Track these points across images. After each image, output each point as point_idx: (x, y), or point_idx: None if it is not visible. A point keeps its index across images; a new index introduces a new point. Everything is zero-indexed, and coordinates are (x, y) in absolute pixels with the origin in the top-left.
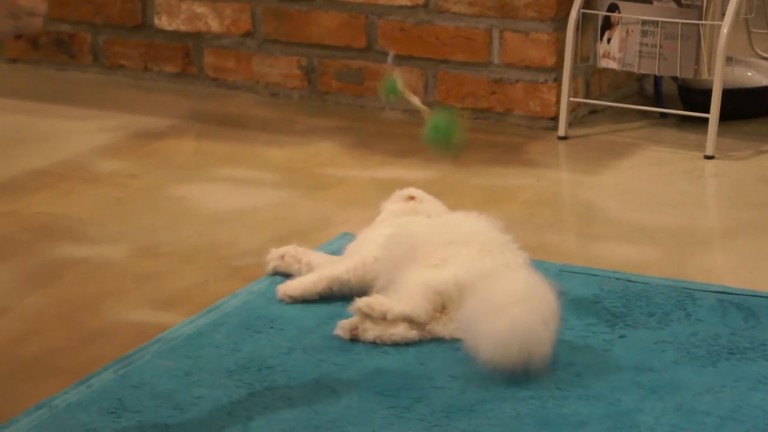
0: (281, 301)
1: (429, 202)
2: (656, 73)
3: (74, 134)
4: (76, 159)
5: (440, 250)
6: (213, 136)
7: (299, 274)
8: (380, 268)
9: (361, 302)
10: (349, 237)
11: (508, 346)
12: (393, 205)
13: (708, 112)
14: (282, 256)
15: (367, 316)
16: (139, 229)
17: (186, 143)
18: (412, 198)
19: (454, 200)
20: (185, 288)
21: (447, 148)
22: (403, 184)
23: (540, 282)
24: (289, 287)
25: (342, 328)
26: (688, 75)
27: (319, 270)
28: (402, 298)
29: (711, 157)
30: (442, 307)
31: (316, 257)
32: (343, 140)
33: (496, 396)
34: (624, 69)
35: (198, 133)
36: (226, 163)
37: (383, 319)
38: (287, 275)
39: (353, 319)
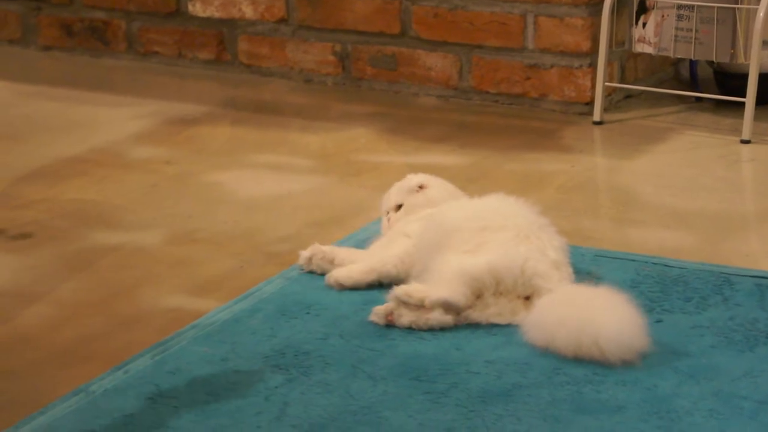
0: (331, 287)
1: (439, 188)
2: (692, 58)
3: (108, 121)
4: (110, 146)
5: (476, 235)
6: (247, 122)
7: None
8: (418, 255)
9: (398, 290)
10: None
11: (631, 338)
12: (406, 198)
13: (744, 96)
14: (310, 258)
15: (405, 303)
16: (174, 215)
17: (220, 129)
18: (421, 187)
19: (488, 186)
20: (221, 273)
21: None
22: (437, 169)
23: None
24: (341, 276)
25: (377, 314)
26: (724, 59)
27: (367, 260)
28: (439, 285)
29: (747, 142)
30: (479, 293)
31: (345, 253)
32: (378, 126)
33: (533, 381)
34: (659, 53)
35: (232, 120)
36: (261, 150)
37: (421, 306)
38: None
39: (388, 305)
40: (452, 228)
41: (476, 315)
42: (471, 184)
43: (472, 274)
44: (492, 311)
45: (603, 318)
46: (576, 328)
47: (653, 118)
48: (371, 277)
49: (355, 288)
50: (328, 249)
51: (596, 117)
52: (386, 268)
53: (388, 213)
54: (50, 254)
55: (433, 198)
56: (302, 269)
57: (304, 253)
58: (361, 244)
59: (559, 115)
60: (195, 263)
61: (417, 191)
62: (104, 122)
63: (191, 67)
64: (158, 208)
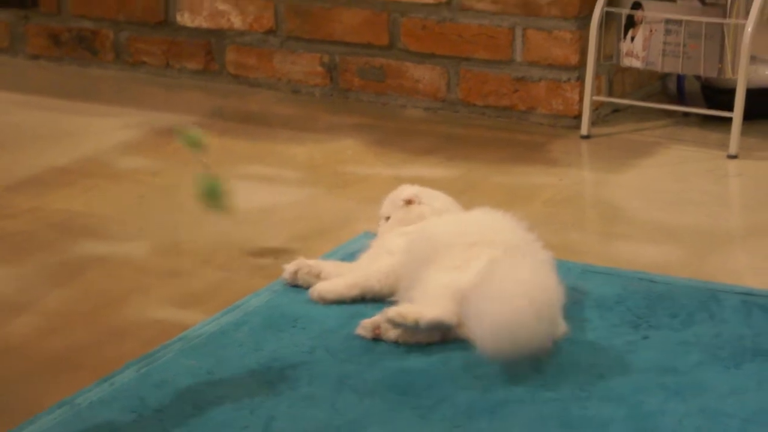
0: (314, 301)
1: (430, 198)
2: (679, 72)
3: (96, 131)
4: (98, 156)
5: (464, 251)
6: (235, 133)
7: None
8: (405, 271)
9: (392, 312)
10: (370, 236)
11: (498, 336)
12: (395, 213)
13: (731, 110)
14: (295, 272)
15: (399, 324)
16: (161, 226)
17: (208, 140)
18: (410, 202)
19: (475, 199)
20: (207, 286)
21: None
22: (424, 182)
23: (546, 275)
24: (324, 290)
25: (364, 327)
26: (712, 74)
27: (351, 274)
28: (430, 303)
29: (734, 157)
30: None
31: (331, 267)
32: (365, 138)
33: (519, 397)
34: (647, 68)
35: (220, 130)
36: (248, 160)
37: (416, 327)
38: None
39: (375, 319)
40: (440, 243)
41: (464, 331)
42: (458, 196)
43: (463, 291)
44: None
45: (483, 310)
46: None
47: (640, 133)
48: (354, 292)
49: (338, 302)
50: (313, 263)
51: (584, 131)
52: (370, 283)
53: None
54: (37, 264)
55: (421, 213)
56: (287, 283)
57: (289, 267)
58: (349, 257)
59: (547, 129)
60: (182, 275)
61: (403, 206)
62: (92, 132)
63: (179, 77)
64: (145, 219)
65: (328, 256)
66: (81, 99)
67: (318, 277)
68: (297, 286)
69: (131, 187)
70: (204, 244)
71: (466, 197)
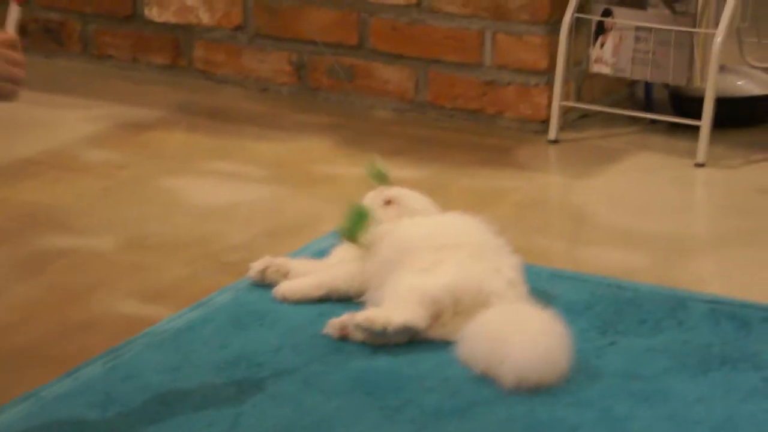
0: (278, 301)
1: (409, 200)
2: (648, 80)
3: (62, 123)
4: (63, 148)
5: (432, 254)
6: (202, 128)
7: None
8: (373, 273)
9: (360, 317)
10: (337, 234)
11: (535, 370)
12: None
13: (698, 119)
14: (263, 271)
15: (367, 330)
16: (127, 220)
17: (175, 135)
18: (389, 202)
19: (442, 201)
20: (174, 281)
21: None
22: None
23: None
24: (288, 290)
25: (332, 326)
26: (681, 82)
27: (317, 274)
28: (397, 307)
29: (702, 165)
30: (438, 314)
31: (299, 265)
32: (334, 137)
33: (487, 399)
34: (617, 74)
35: (187, 126)
36: (215, 157)
37: (383, 332)
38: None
39: (343, 318)
40: (408, 246)
41: (432, 332)
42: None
43: (432, 295)
44: (447, 330)
45: (513, 342)
46: (488, 347)
47: (608, 139)
48: (320, 293)
49: (302, 302)
50: (281, 261)
51: (551, 135)
52: (336, 283)
53: None
54: (1, 257)
55: (399, 215)
56: (254, 281)
57: (256, 265)
58: (317, 255)
59: (515, 133)
60: (148, 269)
61: (382, 206)
62: (58, 124)
63: (146, 71)
64: (111, 212)
65: (295, 255)
66: (47, 91)
67: (286, 275)
68: (264, 284)
69: (97, 180)
70: (171, 239)
71: (434, 200)
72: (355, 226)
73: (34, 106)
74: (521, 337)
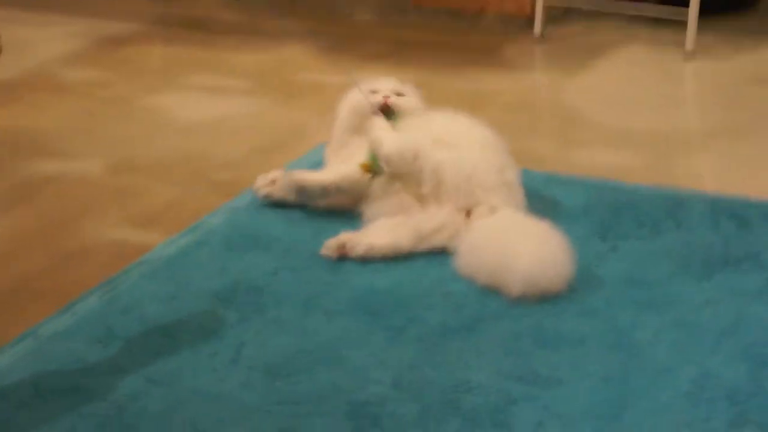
0: (288, 185)
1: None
2: None
3: (38, 41)
4: (41, 69)
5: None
6: (181, 41)
7: (290, 197)
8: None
9: (331, 242)
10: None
11: (541, 278)
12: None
13: (684, 5)
14: (273, 181)
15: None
16: (113, 142)
17: (154, 49)
18: (387, 106)
19: (435, 105)
20: (164, 204)
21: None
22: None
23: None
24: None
25: (328, 248)
26: None
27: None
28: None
29: (691, 56)
30: (414, 179)
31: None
32: (315, 43)
33: (492, 314)
34: None
35: (165, 39)
36: (197, 70)
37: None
38: (279, 202)
39: (340, 238)
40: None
41: (430, 238)
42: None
43: (416, 147)
44: (440, 230)
45: (518, 251)
46: (492, 258)
47: (594, 33)
48: (331, 177)
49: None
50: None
51: (537, 32)
52: (351, 170)
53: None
54: None
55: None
56: (259, 193)
57: (265, 176)
58: (313, 167)
59: (499, 30)
60: (136, 193)
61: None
62: (34, 43)
63: None
64: (96, 135)
65: (290, 168)
66: (18, 7)
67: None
68: (268, 197)
69: (79, 101)
70: (157, 160)
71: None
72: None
73: (9, 25)
74: (525, 246)
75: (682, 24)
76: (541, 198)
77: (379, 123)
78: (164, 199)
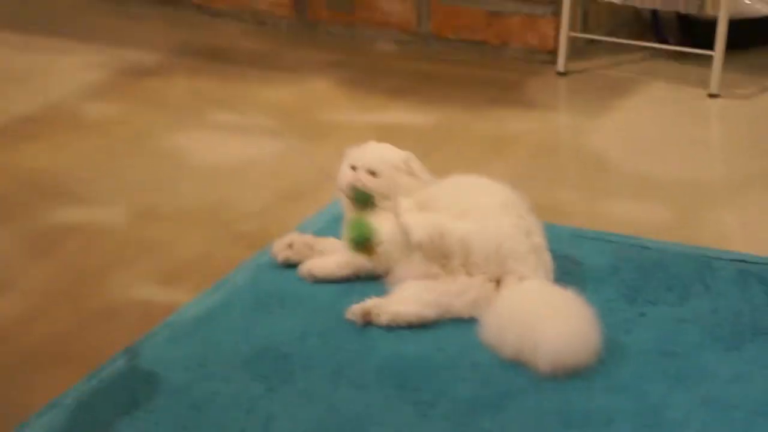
0: (303, 279)
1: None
2: (658, 8)
3: (58, 71)
4: (62, 102)
5: (463, 206)
6: (202, 73)
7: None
8: (396, 250)
9: (356, 309)
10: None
11: (570, 354)
12: (395, 176)
13: (708, 41)
14: (290, 245)
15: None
16: (135, 187)
17: (175, 82)
18: (354, 187)
19: (458, 150)
20: (189, 258)
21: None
22: (403, 130)
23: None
24: (315, 267)
25: (354, 313)
26: (692, 11)
27: (343, 253)
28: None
29: (716, 96)
30: (443, 255)
31: (326, 243)
32: (337, 76)
33: (520, 388)
34: (626, 2)
35: (187, 70)
36: (218, 106)
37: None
38: (299, 264)
39: (365, 305)
40: (438, 205)
41: (456, 306)
42: (440, 146)
43: (443, 229)
44: (469, 298)
45: (546, 327)
46: (519, 333)
47: (617, 67)
48: (346, 271)
49: (328, 280)
50: (309, 238)
51: (560, 68)
52: (362, 261)
53: (354, 168)
54: (12, 235)
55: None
56: (278, 258)
57: (282, 240)
58: (335, 221)
59: (522, 64)
60: (161, 245)
61: (405, 170)
62: (54, 72)
63: (141, 6)
64: (118, 178)
65: (310, 222)
66: (39, 33)
67: (312, 249)
68: (287, 260)
69: (100, 140)
70: (181, 208)
71: (448, 148)
72: (360, 240)
73: (27, 53)
74: (552, 321)
75: (705, 58)
76: (567, 257)
77: (404, 205)
78: (188, 253)
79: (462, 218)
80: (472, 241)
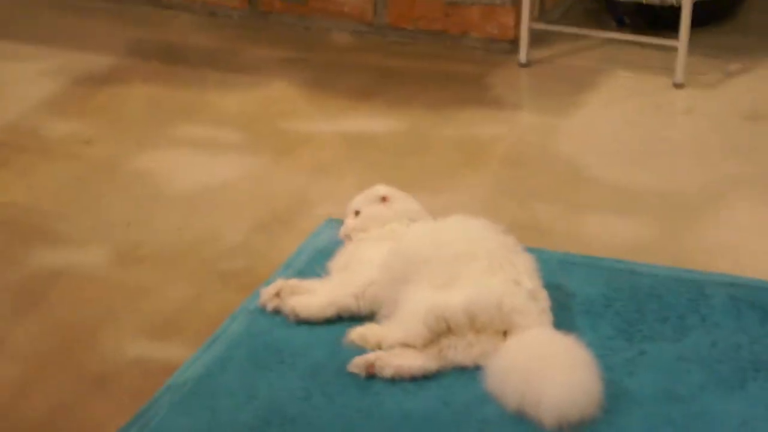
0: (287, 317)
1: (402, 200)
2: None
3: (13, 82)
4: (23, 120)
5: (447, 267)
6: (159, 78)
7: None
8: (382, 287)
9: (353, 334)
10: (333, 223)
11: (574, 407)
12: (368, 208)
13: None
14: (277, 294)
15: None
16: (111, 222)
17: (133, 90)
18: (384, 199)
19: (429, 161)
20: (178, 306)
21: None
22: (371, 138)
23: (573, 341)
24: (299, 306)
25: (357, 366)
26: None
27: (327, 292)
28: (399, 325)
29: (681, 86)
30: (448, 330)
31: (311, 285)
32: (296, 76)
33: None
34: None
35: (143, 75)
36: (182, 117)
37: (378, 348)
38: None
39: (368, 357)
40: (420, 259)
41: (460, 357)
42: (411, 157)
43: (437, 314)
44: (475, 351)
45: (547, 382)
46: (521, 388)
47: (578, 55)
48: (330, 312)
49: (312, 321)
50: (294, 283)
51: (522, 59)
52: (346, 301)
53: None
54: None
55: (396, 212)
56: (267, 308)
57: (269, 290)
58: (321, 257)
59: (482, 54)
60: (147, 292)
61: (380, 201)
62: (9, 84)
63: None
64: (93, 212)
65: (294, 260)
66: None
67: (300, 295)
68: (277, 308)
69: (68, 164)
70: (161, 245)
71: (418, 159)
72: None
73: None
74: (553, 374)
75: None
76: (559, 287)
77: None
78: (177, 299)
79: (450, 286)
80: (473, 306)
